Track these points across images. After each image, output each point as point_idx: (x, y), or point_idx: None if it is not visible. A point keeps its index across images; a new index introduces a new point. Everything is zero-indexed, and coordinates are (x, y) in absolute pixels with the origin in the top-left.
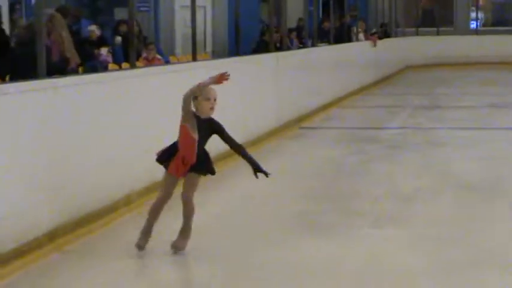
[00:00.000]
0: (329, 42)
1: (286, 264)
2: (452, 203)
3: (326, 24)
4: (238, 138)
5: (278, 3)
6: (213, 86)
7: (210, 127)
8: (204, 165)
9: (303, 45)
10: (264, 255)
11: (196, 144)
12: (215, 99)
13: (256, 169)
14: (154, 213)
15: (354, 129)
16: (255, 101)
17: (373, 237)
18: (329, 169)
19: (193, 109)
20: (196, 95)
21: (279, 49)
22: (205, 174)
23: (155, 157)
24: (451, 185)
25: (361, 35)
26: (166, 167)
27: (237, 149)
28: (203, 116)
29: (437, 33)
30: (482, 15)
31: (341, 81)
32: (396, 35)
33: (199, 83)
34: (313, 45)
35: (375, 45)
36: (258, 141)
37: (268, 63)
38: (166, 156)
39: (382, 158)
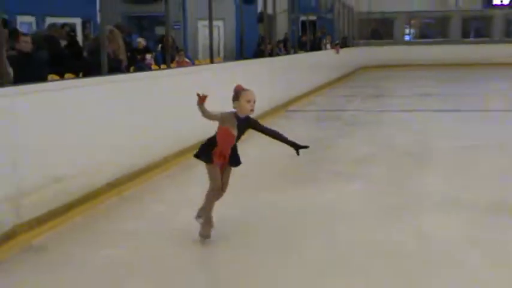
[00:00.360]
0: (306, 51)
1: (277, 205)
2: (393, 165)
3: (304, 38)
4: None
5: (270, 23)
6: (253, 90)
7: (247, 124)
8: (235, 158)
9: (287, 52)
10: (263, 200)
11: (235, 139)
12: (254, 102)
13: (297, 147)
14: (211, 204)
15: (324, 111)
16: (254, 91)
17: (338, 188)
18: (308, 139)
19: (234, 109)
20: (238, 97)
21: (270, 55)
22: (237, 165)
23: (194, 153)
24: (392, 151)
25: (328, 45)
26: (208, 161)
27: (274, 135)
28: (242, 115)
29: (382, 44)
30: (413, 30)
31: (314, 78)
32: (353, 45)
33: (200, 107)
34: (295, 52)
35: (337, 52)
36: (263, 116)
37: (263, 65)
38: (206, 153)
39: (344, 132)
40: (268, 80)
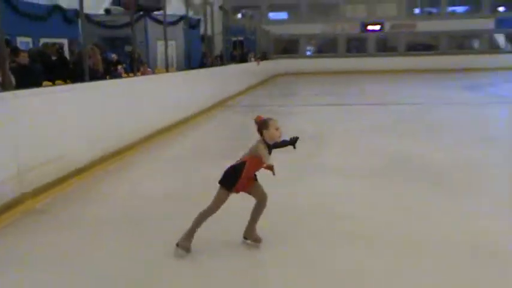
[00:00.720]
0: (236, 62)
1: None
2: (301, 144)
3: (235, 53)
4: (193, 111)
5: (209, 42)
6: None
7: (273, 148)
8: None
9: (223, 64)
10: (204, 171)
11: None
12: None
13: (293, 143)
14: (201, 221)
15: (250, 106)
16: (199, 92)
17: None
18: (238, 126)
19: (263, 137)
20: (267, 126)
21: (211, 66)
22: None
23: (221, 181)
24: (300, 134)
25: (252, 59)
26: (230, 189)
27: (283, 145)
28: (271, 142)
29: (290, 58)
30: (312, 48)
31: (241, 82)
32: (270, 59)
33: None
34: (228, 64)
35: (258, 64)
36: (202, 112)
37: (206, 73)
38: (231, 181)
39: None
40: (209, 84)
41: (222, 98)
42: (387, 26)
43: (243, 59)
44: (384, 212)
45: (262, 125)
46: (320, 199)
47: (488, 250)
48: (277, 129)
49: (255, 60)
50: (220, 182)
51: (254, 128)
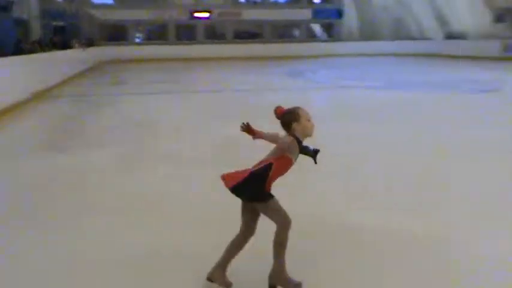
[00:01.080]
0: (58, 49)
1: (41, 169)
2: (130, 132)
3: (55, 39)
4: (7, 103)
5: (26, 27)
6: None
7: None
8: None
9: (43, 50)
10: (23, 168)
11: None
12: None
13: (315, 155)
14: (284, 243)
15: (74, 96)
16: (15, 82)
17: (90, 152)
18: (61, 118)
19: (292, 132)
20: (298, 117)
21: (29, 53)
22: None
23: (252, 198)
24: (129, 123)
25: (77, 45)
26: (269, 198)
27: (306, 153)
28: (304, 138)
29: (119, 45)
30: (141, 35)
31: (65, 70)
32: (97, 45)
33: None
34: (49, 50)
35: (84, 50)
36: (19, 105)
37: (24, 61)
38: (261, 191)
39: (92, 110)
40: (27, 73)
41: (43, 87)
42: (215, 13)
43: (67, 45)
44: (223, 196)
45: (291, 116)
46: (150, 188)
47: (324, 221)
48: (309, 120)
49: (80, 47)
50: (253, 200)
51: (80, 119)
